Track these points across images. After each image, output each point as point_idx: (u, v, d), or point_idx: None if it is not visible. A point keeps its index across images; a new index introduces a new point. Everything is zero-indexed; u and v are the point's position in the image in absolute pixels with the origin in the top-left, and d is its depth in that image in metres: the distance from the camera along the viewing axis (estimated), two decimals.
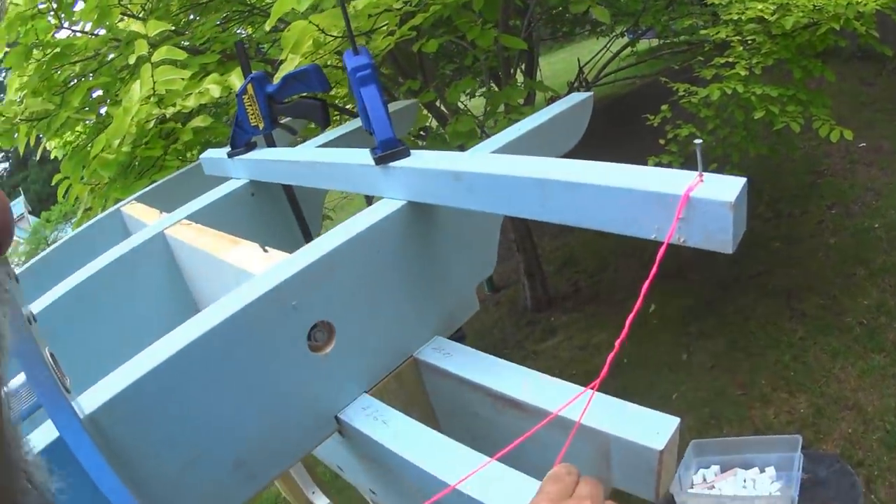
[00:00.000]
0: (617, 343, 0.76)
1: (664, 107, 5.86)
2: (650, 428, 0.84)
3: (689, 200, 0.70)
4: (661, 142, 5.70)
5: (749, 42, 4.99)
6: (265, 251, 1.20)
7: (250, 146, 1.77)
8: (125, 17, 2.80)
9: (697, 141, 0.72)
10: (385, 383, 1.09)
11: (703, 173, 0.71)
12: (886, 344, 5.40)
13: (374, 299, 1.05)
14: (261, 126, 1.67)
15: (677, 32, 6.49)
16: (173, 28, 2.97)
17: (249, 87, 1.63)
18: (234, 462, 0.91)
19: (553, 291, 8.46)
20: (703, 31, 5.49)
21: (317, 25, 2.01)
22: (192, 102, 2.27)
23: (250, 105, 1.65)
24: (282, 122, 1.71)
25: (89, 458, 0.63)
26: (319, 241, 1.01)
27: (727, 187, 0.68)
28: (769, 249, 7.45)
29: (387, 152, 1.16)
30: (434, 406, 1.15)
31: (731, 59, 5.04)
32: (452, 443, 0.92)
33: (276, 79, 1.70)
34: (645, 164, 5.89)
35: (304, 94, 1.64)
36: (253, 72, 1.66)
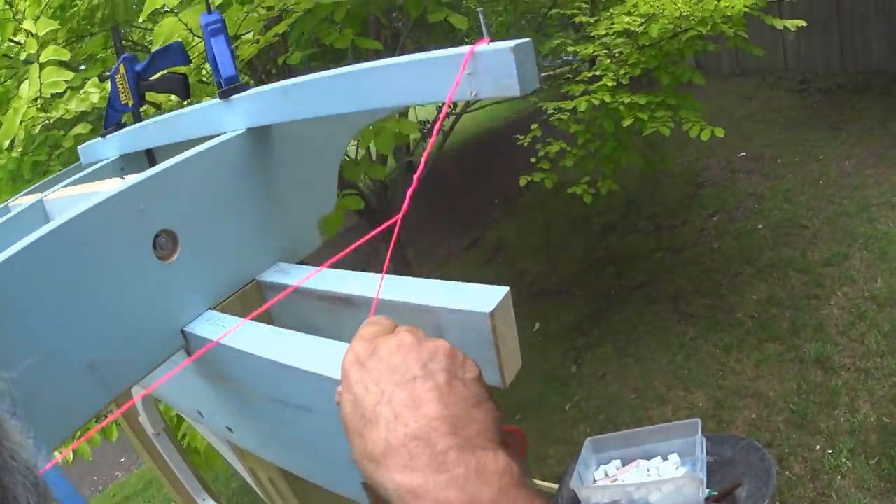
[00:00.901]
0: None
1: (534, 126, 6.04)
2: (479, 298, 0.87)
3: (474, 55, 0.78)
4: (533, 160, 5.87)
5: (616, 55, 5.22)
6: (123, 178, 1.24)
7: (121, 126, 1.81)
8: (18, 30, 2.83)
9: (480, 10, 0.80)
10: (229, 303, 1.13)
11: (490, 39, 0.79)
12: (780, 332, 5.65)
13: (216, 217, 1.10)
14: (130, 103, 1.71)
15: (545, 54, 6.66)
16: (59, 27, 3.00)
17: (121, 67, 1.68)
18: (88, 365, 0.93)
19: None
20: (570, 48, 5.72)
21: (185, 24, 2.07)
22: (73, 105, 2.31)
23: (122, 84, 1.70)
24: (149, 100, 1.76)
25: None
26: (167, 160, 1.06)
27: (511, 42, 0.76)
28: (651, 260, 7.69)
29: (229, 87, 1.23)
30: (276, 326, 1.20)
31: (598, 73, 5.27)
32: (296, 334, 0.97)
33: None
34: (517, 184, 6.08)
35: (169, 70, 1.70)
36: (125, 53, 1.71)
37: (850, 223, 6.75)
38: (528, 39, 0.77)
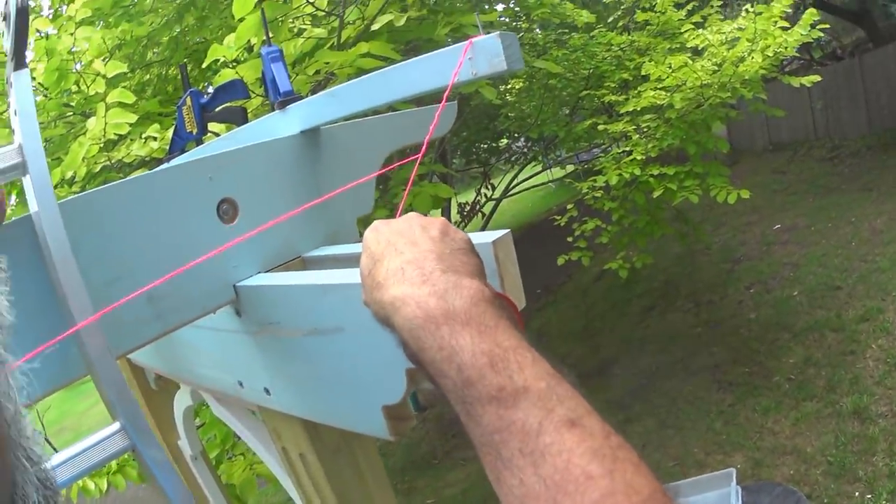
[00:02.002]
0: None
1: (570, 206, 6.27)
2: (484, 236, 1.01)
3: (473, 44, 1.02)
4: (569, 239, 6.08)
5: (645, 130, 5.46)
6: None
7: (184, 151, 2.07)
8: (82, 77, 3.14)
9: (476, 12, 1.05)
10: (275, 271, 1.35)
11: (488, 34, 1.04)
12: (817, 390, 5.71)
13: (271, 197, 1.34)
14: (195, 131, 1.98)
15: (579, 136, 6.92)
16: (128, 71, 3.33)
17: (188, 99, 1.95)
18: (147, 296, 1.12)
19: None
20: (601, 128, 5.97)
21: (241, 76, 2.36)
22: (135, 148, 2.58)
23: (188, 114, 1.97)
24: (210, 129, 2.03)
25: None
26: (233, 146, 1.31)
27: (497, 32, 1.00)
28: (691, 336, 7.74)
29: (286, 98, 1.49)
30: None
31: (628, 148, 5.51)
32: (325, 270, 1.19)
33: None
34: (558, 273, 6.21)
35: (230, 103, 1.98)
36: (191, 88, 1.99)
37: (882, 278, 6.90)
38: (512, 34, 1.01)
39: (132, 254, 1.13)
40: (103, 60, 2.90)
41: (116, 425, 0.95)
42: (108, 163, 2.75)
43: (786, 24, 5.20)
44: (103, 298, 1.03)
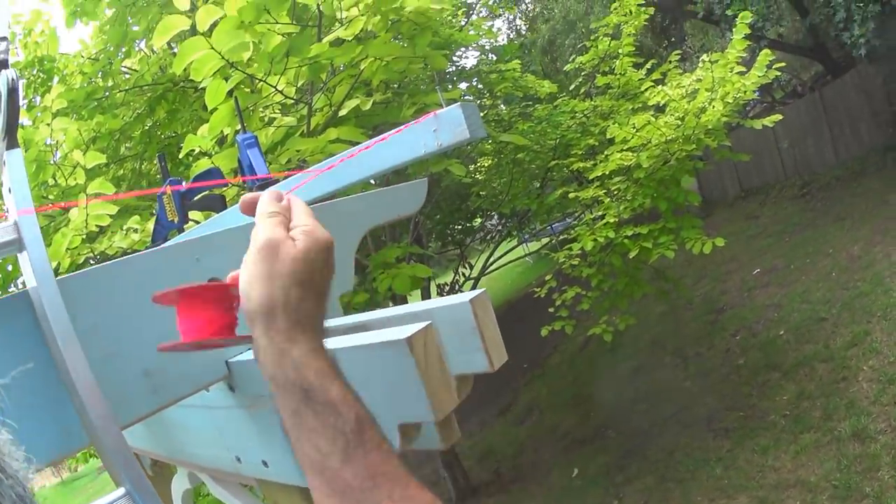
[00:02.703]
0: None
1: (548, 277, 6.37)
2: (461, 297, 1.07)
3: (436, 115, 1.10)
4: (551, 310, 6.14)
5: (615, 193, 5.58)
6: None
7: (166, 240, 2.13)
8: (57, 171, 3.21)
9: (438, 86, 1.14)
10: None
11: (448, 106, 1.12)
12: (814, 421, 5.78)
13: None
14: (176, 220, 2.04)
15: (551, 207, 7.05)
16: (106, 163, 3.41)
17: (168, 188, 2.02)
18: (143, 371, 1.17)
19: (476, 481, 8.71)
20: (571, 196, 6.06)
21: (217, 166, 2.45)
22: (118, 239, 2.64)
23: (168, 203, 2.03)
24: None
25: None
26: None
27: (458, 103, 1.08)
28: (681, 390, 7.78)
29: (264, 182, 1.57)
30: None
31: (600, 213, 5.61)
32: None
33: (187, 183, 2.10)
34: (543, 347, 6.28)
35: (209, 192, 2.05)
36: (170, 177, 2.07)
37: (866, 302, 7.01)
38: (471, 102, 1.09)
39: (127, 330, 1.17)
40: (82, 151, 2.99)
41: (121, 490, 0.99)
42: (90, 254, 2.80)
43: (742, 69, 5.40)
44: (100, 373, 1.07)
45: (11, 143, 1.13)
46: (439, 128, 1.11)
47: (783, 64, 6.44)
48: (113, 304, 1.16)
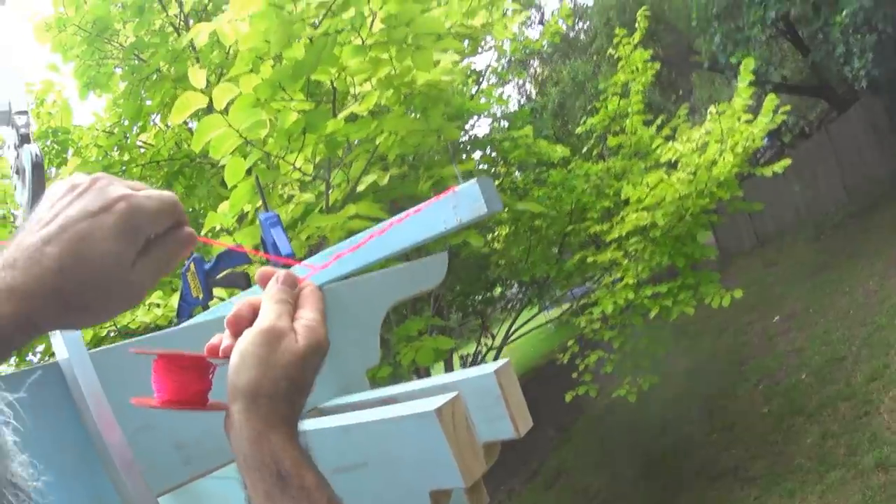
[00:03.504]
0: None
1: (570, 343, 6.37)
2: (486, 368, 1.14)
3: (454, 192, 1.15)
4: (574, 375, 6.14)
5: (633, 253, 5.60)
6: None
7: (191, 316, 2.17)
8: None
9: (454, 162, 1.19)
10: None
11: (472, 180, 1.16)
12: (838, 459, 5.76)
13: None
14: (201, 297, 2.07)
15: (570, 273, 7.07)
16: None
17: (192, 265, 2.06)
18: (175, 444, 1.20)
19: None
20: (590, 260, 6.07)
21: (238, 242, 2.50)
22: (140, 313, 2.69)
23: (193, 280, 2.07)
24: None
25: None
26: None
27: (475, 179, 1.13)
28: (708, 443, 7.73)
29: (288, 262, 1.61)
30: None
31: (619, 275, 5.63)
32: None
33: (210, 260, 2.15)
34: (568, 412, 6.27)
35: (232, 269, 2.09)
36: (194, 254, 2.11)
37: (884, 335, 7.04)
38: (488, 178, 1.13)
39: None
40: None
41: None
42: (113, 327, 2.86)
43: (750, 117, 5.44)
44: (133, 444, 1.10)
45: None
46: (458, 204, 1.15)
47: (789, 107, 6.49)
48: (141, 379, 1.19)
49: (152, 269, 0.68)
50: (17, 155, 1.20)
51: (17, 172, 1.18)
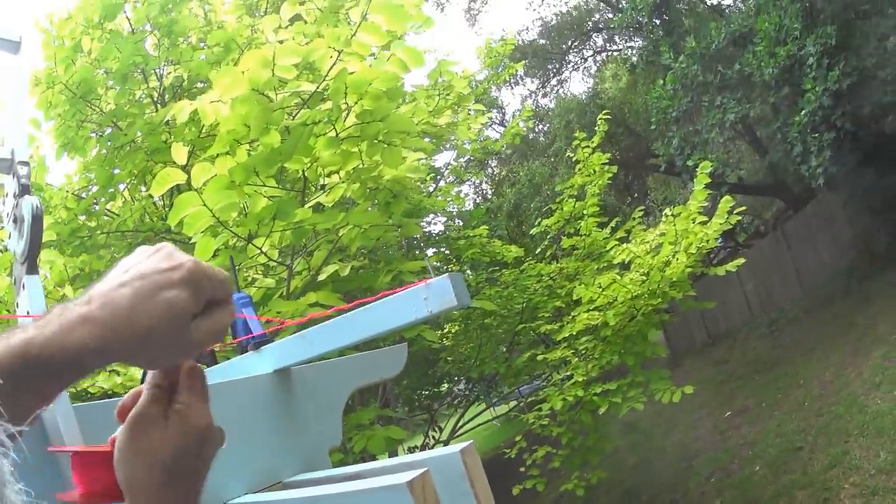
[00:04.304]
0: None
1: (518, 438, 6.41)
2: (452, 449, 1.23)
3: (427, 285, 1.25)
4: (522, 469, 6.14)
5: (583, 352, 5.71)
6: None
7: None
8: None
9: (426, 256, 1.29)
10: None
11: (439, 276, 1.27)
12: None
13: (252, 428, 1.51)
14: None
15: (519, 370, 7.14)
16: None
17: None
18: None
19: None
20: (539, 358, 6.18)
21: None
22: (101, 379, 2.74)
23: None
24: None
25: None
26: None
27: (447, 275, 1.24)
28: None
29: (260, 341, 1.69)
30: None
31: (569, 373, 5.73)
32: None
33: None
34: (510, 499, 6.30)
35: None
36: None
37: (842, 423, 7.02)
38: (458, 273, 1.24)
39: None
40: (67, 286, 3.07)
41: None
42: (72, 389, 2.88)
43: (704, 219, 5.60)
44: None
45: (31, 269, 1.20)
46: (429, 296, 1.25)
47: (744, 207, 6.65)
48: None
49: (209, 329, 0.70)
50: (17, 204, 1.23)
51: (15, 221, 1.22)
